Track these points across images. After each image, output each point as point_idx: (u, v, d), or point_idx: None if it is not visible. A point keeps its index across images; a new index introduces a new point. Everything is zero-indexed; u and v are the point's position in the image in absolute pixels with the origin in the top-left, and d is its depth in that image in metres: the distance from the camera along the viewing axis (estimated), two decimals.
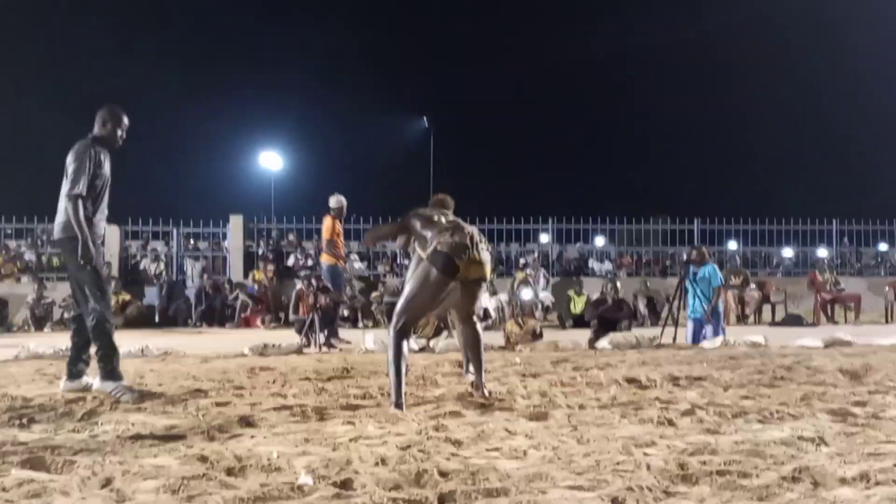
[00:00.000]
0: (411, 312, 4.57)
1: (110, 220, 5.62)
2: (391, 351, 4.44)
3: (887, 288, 14.22)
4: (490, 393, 4.73)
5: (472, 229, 4.62)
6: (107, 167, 5.13)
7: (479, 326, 4.89)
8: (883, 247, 18.17)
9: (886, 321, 13.54)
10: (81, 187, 4.91)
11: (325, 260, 10.43)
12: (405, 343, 4.53)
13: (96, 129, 5.13)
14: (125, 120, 5.20)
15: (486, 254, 4.55)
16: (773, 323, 13.39)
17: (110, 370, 4.94)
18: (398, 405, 4.28)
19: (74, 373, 5.11)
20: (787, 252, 17.79)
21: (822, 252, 16.83)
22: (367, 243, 4.18)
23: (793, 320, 13.11)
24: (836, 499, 2.45)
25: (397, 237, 5.10)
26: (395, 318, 4.56)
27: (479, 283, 4.64)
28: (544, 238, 17.73)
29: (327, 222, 10.32)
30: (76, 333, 5.16)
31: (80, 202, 4.89)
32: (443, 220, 4.68)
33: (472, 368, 4.91)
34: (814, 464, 2.89)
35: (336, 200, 10.41)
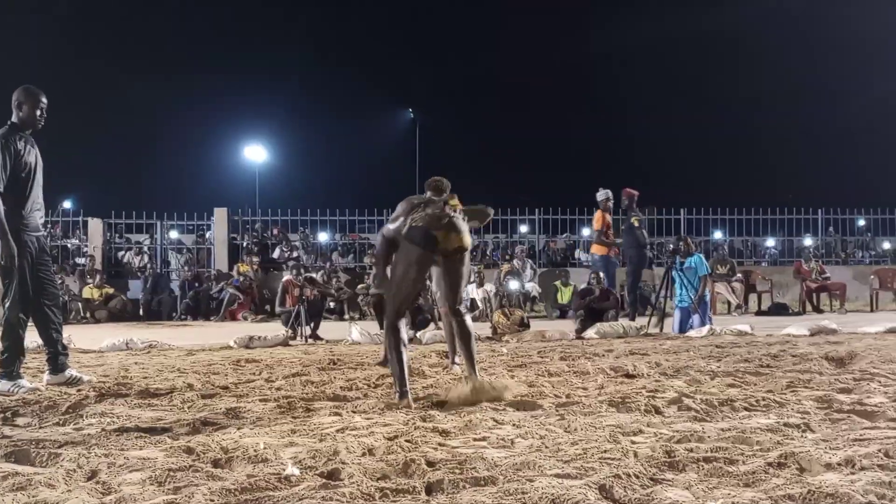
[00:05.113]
0: (401, 295, 4.44)
1: (94, 213, 5.52)
2: (389, 339, 4.35)
3: (872, 276, 14.35)
4: None
5: (444, 197, 4.49)
6: (32, 154, 4.84)
7: (468, 319, 4.64)
8: (861, 222, 18.38)
9: (871, 309, 13.65)
10: None
11: (597, 251, 11.02)
12: (403, 328, 4.39)
13: (13, 115, 4.83)
14: (42, 99, 4.87)
15: (462, 222, 4.38)
16: (760, 312, 13.46)
17: (9, 371, 4.79)
18: (403, 395, 4.16)
19: (57, 367, 5.06)
20: (772, 241, 17.90)
21: (808, 241, 16.93)
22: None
23: (779, 309, 13.18)
24: (822, 484, 2.45)
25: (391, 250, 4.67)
26: (388, 307, 4.48)
27: (461, 259, 4.46)
28: (523, 228, 17.79)
29: (597, 215, 11.01)
30: (39, 328, 5.01)
31: None
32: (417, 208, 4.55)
33: (458, 360, 4.88)
34: (799, 450, 2.90)
35: (603, 194, 11.14)
